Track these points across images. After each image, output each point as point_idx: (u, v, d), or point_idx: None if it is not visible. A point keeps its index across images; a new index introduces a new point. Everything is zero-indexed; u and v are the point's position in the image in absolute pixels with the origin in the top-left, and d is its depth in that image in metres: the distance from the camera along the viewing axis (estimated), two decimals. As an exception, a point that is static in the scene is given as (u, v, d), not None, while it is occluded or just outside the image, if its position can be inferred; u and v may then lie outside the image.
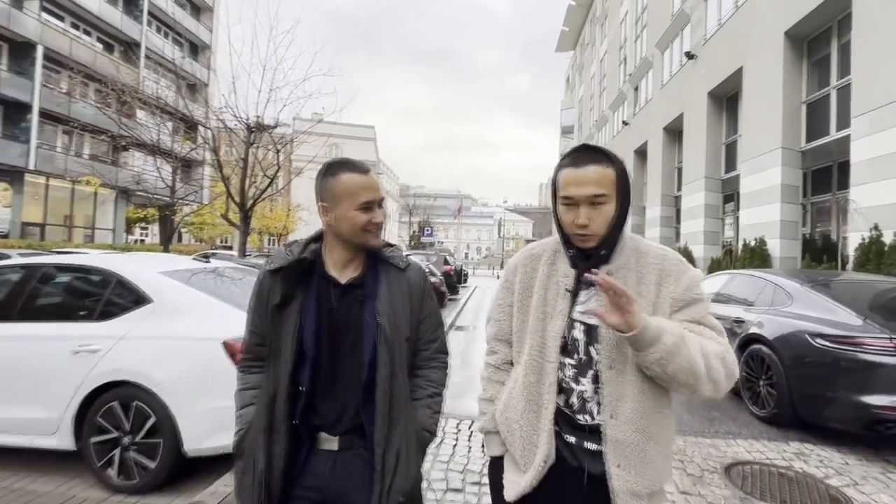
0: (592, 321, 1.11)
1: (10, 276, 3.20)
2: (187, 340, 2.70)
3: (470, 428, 3.71)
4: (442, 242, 70.82)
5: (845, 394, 3.42)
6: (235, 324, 2.42)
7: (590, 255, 1.11)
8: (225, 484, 2.54)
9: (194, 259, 3.94)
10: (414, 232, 42.50)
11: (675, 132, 18.14)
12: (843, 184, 9.49)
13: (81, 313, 3.04)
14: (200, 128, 14.11)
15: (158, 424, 2.63)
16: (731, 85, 13.76)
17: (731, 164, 14.28)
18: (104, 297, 2.97)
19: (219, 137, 12.19)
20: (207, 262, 3.78)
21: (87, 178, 18.96)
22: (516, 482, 1.15)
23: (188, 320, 2.80)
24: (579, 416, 1.12)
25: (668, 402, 1.12)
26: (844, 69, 9.69)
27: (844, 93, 9.50)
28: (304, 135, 13.32)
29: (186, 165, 19.94)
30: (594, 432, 1.09)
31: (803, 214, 11.31)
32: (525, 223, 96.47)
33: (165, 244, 16.50)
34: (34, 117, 18.96)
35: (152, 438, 2.66)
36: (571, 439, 1.13)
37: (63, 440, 2.75)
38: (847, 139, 8.99)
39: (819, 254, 10.23)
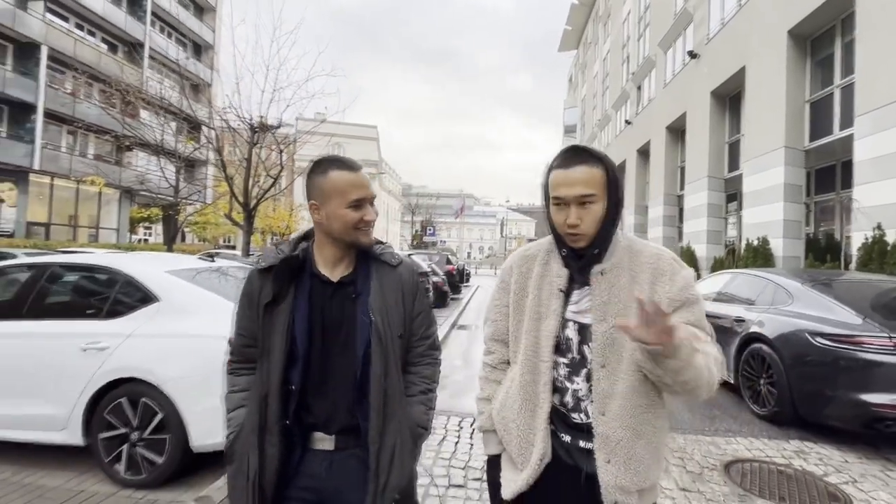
0: (586, 320, 1.12)
1: (20, 275, 3.26)
2: (194, 338, 2.75)
3: (472, 425, 3.75)
4: (444, 242, 70.83)
5: (845, 392, 3.44)
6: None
7: (582, 254, 1.12)
8: (231, 479, 2.58)
9: (199, 258, 4.00)
10: (416, 231, 42.53)
11: (677, 131, 18.11)
12: (847, 183, 9.48)
13: (89, 311, 3.08)
14: (204, 128, 14.18)
15: (166, 420, 2.68)
16: (734, 84, 13.74)
17: (734, 163, 14.26)
18: (112, 296, 3.02)
19: (222, 137, 12.26)
20: (212, 261, 3.83)
21: (91, 177, 19.09)
22: (513, 480, 1.16)
23: (194, 318, 2.84)
24: (574, 415, 1.14)
25: (660, 402, 1.12)
26: (848, 68, 9.67)
27: (848, 92, 9.48)
28: (308, 135, 13.38)
29: (190, 165, 20.07)
30: (588, 431, 1.10)
31: (806, 214, 11.29)
32: (528, 222, 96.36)
33: (169, 244, 16.61)
34: (39, 117, 19.09)
35: (160, 434, 2.70)
36: (566, 438, 1.14)
37: (72, 436, 2.80)
38: (850, 138, 8.97)
39: (822, 253, 10.21)
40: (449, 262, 15.92)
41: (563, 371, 1.15)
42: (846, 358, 3.47)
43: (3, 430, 2.92)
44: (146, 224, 26.34)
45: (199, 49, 29.41)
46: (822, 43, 10.73)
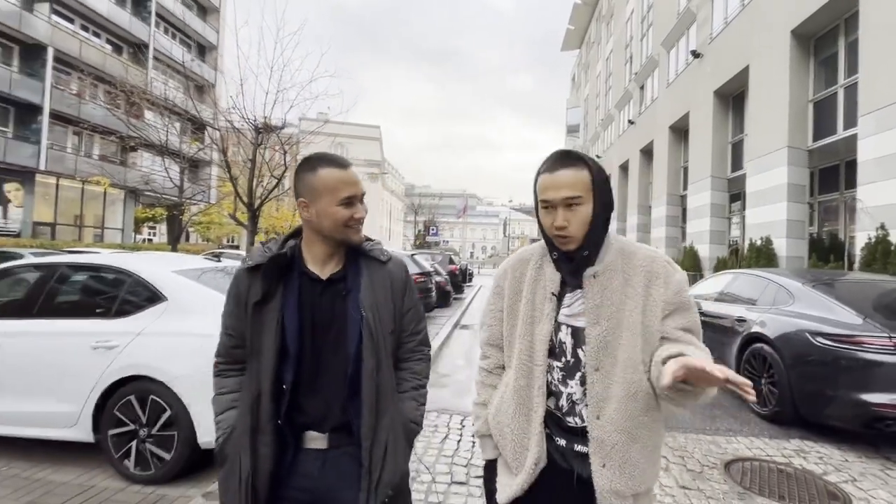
0: (579, 324, 1.11)
1: (31, 275, 3.32)
2: (201, 336, 2.79)
3: (473, 424, 3.79)
4: (447, 242, 70.86)
5: (845, 392, 3.46)
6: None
7: (573, 257, 1.12)
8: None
9: (204, 258, 4.05)
10: (419, 231, 42.59)
11: (680, 131, 18.08)
12: (851, 183, 9.46)
13: (99, 311, 3.14)
14: (208, 128, 14.27)
15: (174, 417, 2.73)
16: (738, 84, 13.71)
17: (737, 163, 14.24)
18: (120, 296, 3.08)
19: (227, 138, 12.34)
20: (218, 261, 3.89)
21: (96, 178, 19.23)
22: (508, 485, 1.16)
23: (201, 317, 2.89)
24: (569, 419, 1.13)
25: (655, 406, 1.10)
26: (851, 68, 9.64)
27: (852, 91, 9.46)
28: (311, 135, 13.45)
29: (194, 165, 20.18)
30: (584, 435, 1.09)
31: (810, 214, 11.27)
32: (530, 222, 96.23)
33: (174, 243, 16.71)
34: (45, 118, 19.24)
35: (168, 431, 2.76)
36: (562, 442, 1.14)
37: (82, 432, 2.86)
38: (854, 138, 8.95)
39: (826, 253, 10.19)
40: (452, 261, 15.96)
41: (557, 375, 1.15)
42: (847, 358, 3.48)
43: (14, 426, 2.98)
44: (150, 224, 26.51)
45: (203, 50, 29.56)
46: (825, 42, 10.71)
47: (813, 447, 3.55)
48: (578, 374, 1.12)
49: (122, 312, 3.00)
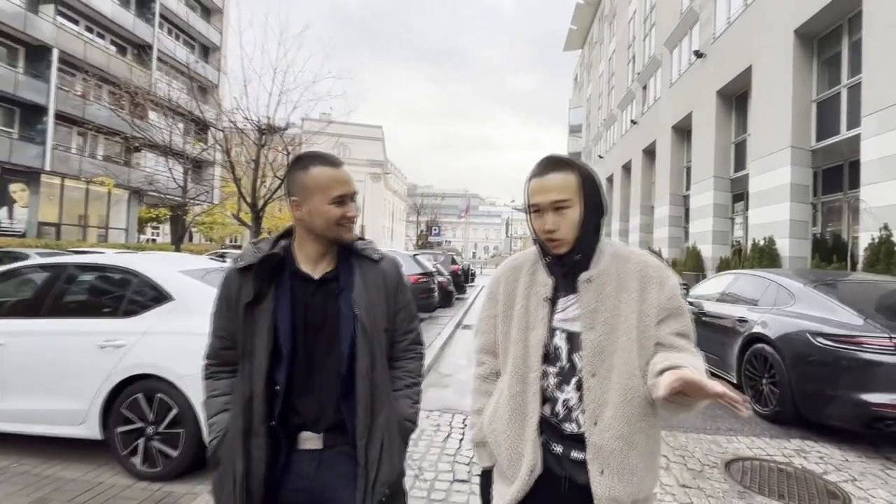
0: (574, 328, 1.10)
1: (40, 275, 3.37)
2: (207, 336, 2.83)
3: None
4: (449, 242, 70.91)
5: (846, 392, 3.47)
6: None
7: (565, 261, 1.11)
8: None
9: (210, 258, 4.10)
10: (422, 231, 42.64)
11: (683, 131, 18.06)
12: (855, 183, 9.43)
13: (106, 310, 3.20)
14: (212, 129, 14.35)
15: (180, 415, 2.77)
16: (741, 84, 13.69)
17: (740, 163, 14.22)
18: (128, 295, 3.12)
19: (230, 139, 12.41)
20: (224, 261, 3.93)
21: (101, 178, 19.36)
22: (503, 493, 1.14)
23: (207, 316, 2.92)
24: (565, 425, 1.11)
25: (653, 412, 1.09)
26: (855, 68, 9.62)
27: (855, 91, 9.44)
28: (315, 136, 13.52)
29: (197, 166, 20.28)
30: (581, 441, 1.08)
31: (813, 214, 11.25)
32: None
33: (177, 243, 16.82)
34: (50, 119, 19.37)
35: (175, 429, 2.80)
36: (558, 449, 1.12)
37: (90, 430, 2.91)
38: (858, 138, 8.94)
39: (829, 254, 10.17)
40: (454, 262, 15.99)
41: (552, 380, 1.14)
42: (847, 358, 3.50)
43: (24, 424, 3.03)
44: (154, 224, 26.66)
45: (207, 51, 29.70)
46: (828, 42, 10.69)
47: (813, 447, 3.57)
48: (574, 380, 1.10)
49: (129, 312, 3.05)
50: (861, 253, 8.41)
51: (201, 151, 17.92)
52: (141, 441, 2.84)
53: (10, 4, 18.17)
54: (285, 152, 12.34)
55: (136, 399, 2.85)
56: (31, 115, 19.30)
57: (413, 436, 3.48)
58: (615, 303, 1.08)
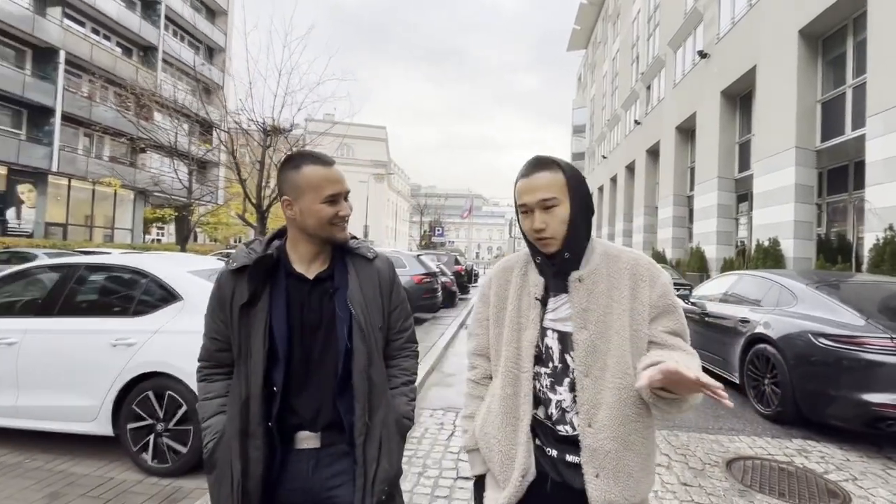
0: (566, 328, 1.09)
1: (52, 275, 3.44)
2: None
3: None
4: (453, 242, 70.94)
5: (847, 392, 3.49)
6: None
7: (555, 260, 1.11)
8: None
9: (217, 258, 4.16)
10: (425, 232, 42.70)
11: (687, 131, 18.04)
12: (860, 184, 9.41)
13: (117, 309, 3.26)
14: (217, 130, 14.47)
15: (190, 412, 2.83)
16: (745, 84, 13.67)
17: (744, 163, 14.19)
18: (138, 295, 3.19)
19: (235, 140, 12.51)
20: (230, 261, 3.98)
21: (107, 179, 19.53)
22: (495, 499, 1.11)
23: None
24: (559, 427, 1.09)
25: (647, 412, 1.07)
26: (860, 68, 9.60)
27: (860, 92, 9.42)
28: (319, 136, 13.60)
29: (202, 167, 20.43)
30: (575, 444, 1.06)
31: (818, 214, 11.22)
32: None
33: (182, 243, 16.96)
34: (57, 120, 19.59)
35: (184, 425, 2.86)
36: (553, 452, 1.09)
37: (102, 426, 2.98)
38: (863, 139, 8.92)
39: (833, 254, 10.15)
40: (457, 262, 16.03)
41: (545, 381, 1.12)
42: (848, 358, 3.52)
43: (38, 420, 3.10)
44: (159, 224, 26.86)
45: (211, 52, 29.89)
46: (833, 42, 10.66)
47: (815, 446, 3.59)
48: (567, 381, 1.09)
49: (139, 311, 3.11)
50: (866, 254, 8.40)
51: (206, 152, 18.05)
52: (151, 437, 2.90)
53: (18, 7, 18.39)
54: (290, 153, 12.44)
55: (147, 396, 2.91)
56: (38, 116, 19.51)
57: (417, 434, 3.55)
58: (607, 301, 1.07)
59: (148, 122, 16.77)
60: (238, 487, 1.10)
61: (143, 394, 2.91)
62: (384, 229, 54.40)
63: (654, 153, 21.39)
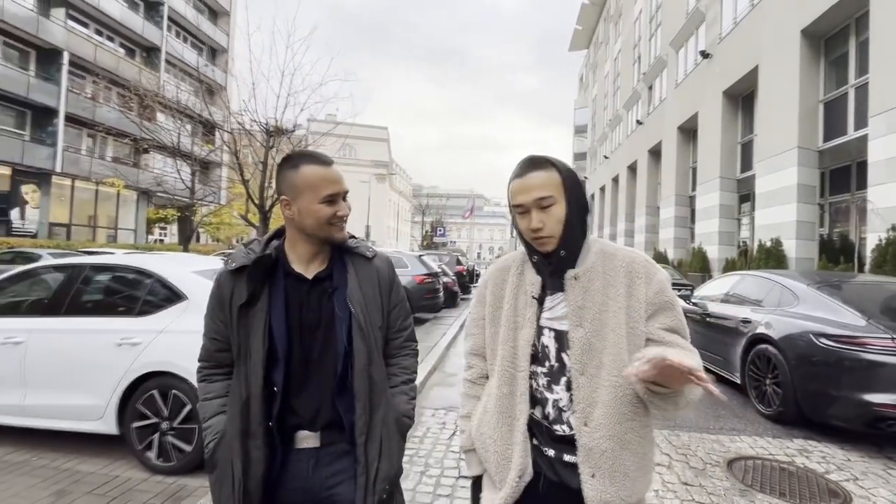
0: (562, 327, 1.09)
1: (58, 275, 3.48)
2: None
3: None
4: (454, 242, 71.00)
5: (848, 392, 3.49)
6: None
7: (552, 259, 1.10)
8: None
9: (220, 259, 4.19)
10: (427, 232, 42.74)
11: (689, 131, 18.02)
12: (862, 184, 9.40)
13: (122, 309, 3.29)
14: (219, 131, 14.53)
15: (194, 411, 2.85)
16: (747, 84, 13.66)
17: (746, 163, 14.17)
18: (143, 295, 3.22)
19: (238, 140, 12.56)
20: (234, 261, 4.01)
21: (110, 179, 19.62)
22: (491, 500, 1.10)
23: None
24: (556, 427, 1.08)
25: (645, 411, 1.06)
26: (862, 68, 9.59)
27: (862, 92, 9.41)
28: (322, 137, 13.65)
29: (205, 167, 20.51)
30: (572, 443, 1.05)
31: (820, 215, 11.20)
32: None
33: (185, 244, 17.02)
34: (60, 121, 19.68)
35: (188, 424, 2.88)
36: (550, 452, 1.08)
37: (107, 425, 3.00)
38: (865, 139, 8.91)
39: (836, 255, 10.13)
40: (459, 262, 16.05)
41: (542, 381, 1.11)
42: (849, 358, 3.52)
43: (44, 419, 3.13)
44: (162, 225, 26.96)
45: (214, 53, 29.99)
46: (836, 42, 10.65)
47: (816, 447, 3.60)
48: (564, 379, 1.08)
49: (144, 311, 3.14)
50: (868, 254, 8.38)
51: (209, 153, 18.12)
52: (156, 436, 2.93)
53: (22, 9, 18.49)
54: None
55: (152, 395, 2.94)
56: (42, 117, 19.60)
57: (419, 433, 3.57)
58: (603, 299, 1.07)
59: (151, 123, 16.86)
60: (239, 487, 1.11)
61: (148, 393, 2.94)
62: (386, 230, 54.45)
63: (655, 153, 21.37)
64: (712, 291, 5.92)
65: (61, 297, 3.30)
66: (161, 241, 27.89)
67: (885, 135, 8.29)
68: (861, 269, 8.97)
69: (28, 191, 19.25)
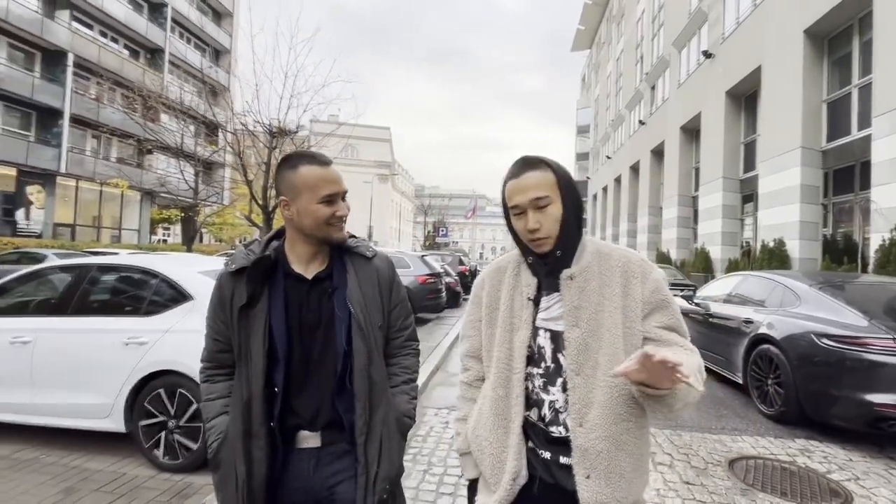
0: (558, 327, 1.08)
1: (65, 275, 3.52)
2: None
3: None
4: (457, 242, 71.01)
5: (850, 392, 3.50)
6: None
7: (548, 259, 1.10)
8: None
9: (224, 259, 4.23)
10: (429, 232, 42.77)
11: (692, 132, 17.99)
12: (866, 184, 9.37)
13: (129, 309, 3.34)
14: (223, 131, 14.60)
15: (201, 409, 2.89)
16: (750, 84, 13.63)
17: (749, 163, 14.14)
18: (150, 295, 3.26)
19: (242, 141, 12.63)
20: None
21: (114, 180, 19.72)
22: (485, 503, 1.09)
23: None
24: (552, 429, 1.07)
25: (641, 411, 1.05)
26: (866, 68, 9.56)
27: (866, 92, 9.38)
28: (325, 137, 13.71)
29: (208, 168, 20.59)
30: (568, 445, 1.04)
31: (824, 215, 11.17)
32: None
33: (188, 244, 17.09)
34: (65, 122, 19.79)
35: (195, 422, 2.92)
36: (546, 455, 1.07)
37: (115, 423, 3.05)
38: (869, 139, 8.88)
39: (840, 255, 10.09)
40: (461, 262, 16.08)
41: (538, 382, 1.10)
42: (851, 359, 3.53)
43: (53, 417, 3.18)
44: (165, 225, 27.08)
45: (217, 54, 30.10)
46: (839, 42, 10.62)
47: (818, 446, 3.61)
48: (560, 381, 1.07)
49: (151, 311, 3.18)
50: (872, 254, 8.36)
51: (212, 154, 18.20)
52: (163, 434, 2.97)
53: (27, 10, 18.61)
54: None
55: (159, 394, 2.98)
56: (47, 118, 19.72)
57: (422, 433, 3.60)
58: (598, 299, 1.06)
59: (155, 124, 16.95)
60: (243, 487, 1.12)
61: (154, 391, 2.98)
62: (388, 230, 54.53)
63: (658, 153, 21.33)
64: (715, 292, 5.93)
65: (68, 298, 3.35)
66: (164, 241, 28.01)
67: (888, 135, 8.27)
68: (864, 270, 8.94)
69: (33, 191, 19.37)
